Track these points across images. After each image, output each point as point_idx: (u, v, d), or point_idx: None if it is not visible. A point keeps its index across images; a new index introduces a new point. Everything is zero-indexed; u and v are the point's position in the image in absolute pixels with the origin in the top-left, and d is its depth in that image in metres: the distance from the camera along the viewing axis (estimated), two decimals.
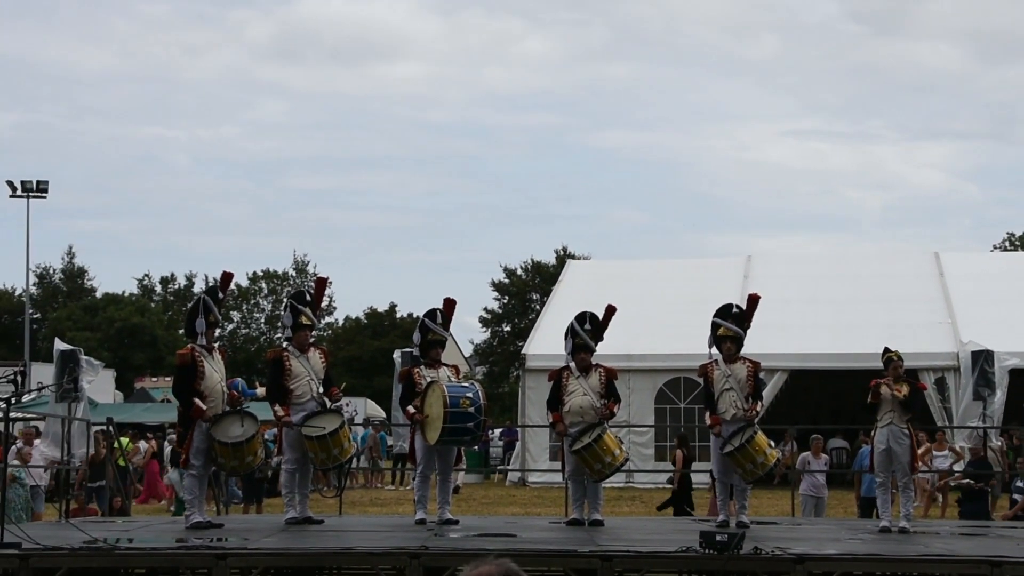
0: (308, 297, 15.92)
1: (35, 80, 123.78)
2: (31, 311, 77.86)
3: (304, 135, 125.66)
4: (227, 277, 15.97)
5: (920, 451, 21.39)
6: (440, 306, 15.85)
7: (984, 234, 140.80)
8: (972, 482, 20.40)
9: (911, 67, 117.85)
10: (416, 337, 15.74)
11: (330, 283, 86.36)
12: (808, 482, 21.89)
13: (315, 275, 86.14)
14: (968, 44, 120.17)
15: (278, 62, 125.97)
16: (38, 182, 58.77)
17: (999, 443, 27.48)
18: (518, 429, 39.48)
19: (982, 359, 27.32)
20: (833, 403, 40.08)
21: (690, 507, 21.74)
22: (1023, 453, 28.74)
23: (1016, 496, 21.05)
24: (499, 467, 42.44)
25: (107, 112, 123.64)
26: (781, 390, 35.16)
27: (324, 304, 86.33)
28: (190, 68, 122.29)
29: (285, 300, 16.47)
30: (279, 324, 16.85)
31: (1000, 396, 29.88)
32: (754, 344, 33.85)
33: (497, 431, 47.73)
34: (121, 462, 30.79)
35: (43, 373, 36.25)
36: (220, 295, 15.47)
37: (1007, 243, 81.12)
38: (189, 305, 15.91)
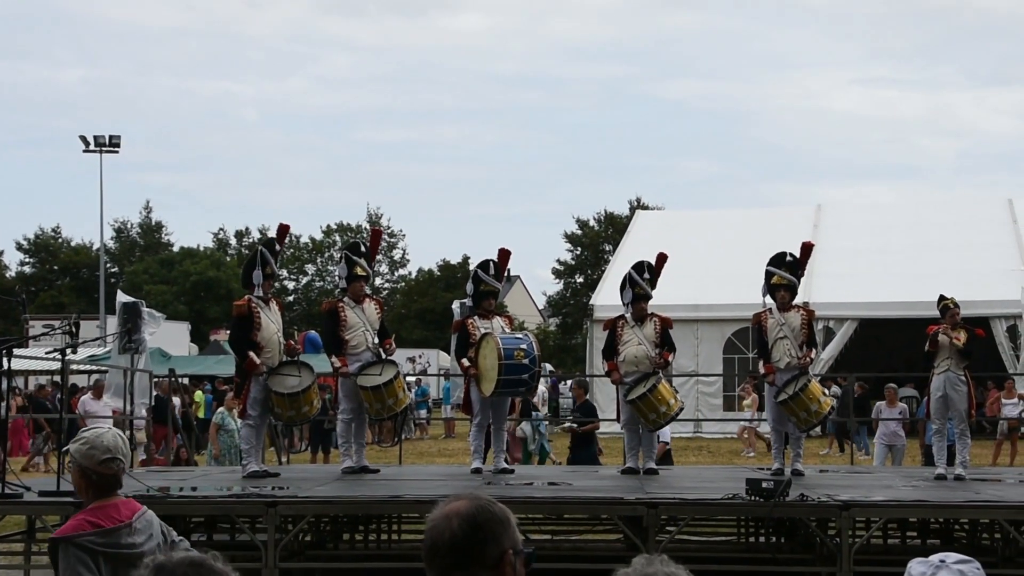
0: (363, 248, 15.99)
1: (100, 36, 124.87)
2: (109, 265, 78.72)
3: (370, 89, 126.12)
4: (283, 229, 16.05)
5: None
6: (495, 257, 15.90)
7: None
8: (575, 425, 20.56)
9: (979, 11, 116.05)
10: (469, 288, 15.79)
11: (400, 234, 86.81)
12: (882, 430, 21.76)
13: (388, 228, 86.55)
14: None
15: (340, 15, 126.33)
16: (110, 136, 58.91)
17: None
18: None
19: None
20: (905, 352, 39.73)
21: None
22: None
23: None
24: (567, 418, 42.47)
25: (174, 67, 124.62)
26: (850, 339, 34.93)
27: (397, 257, 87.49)
28: (253, 22, 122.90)
29: (339, 252, 16.54)
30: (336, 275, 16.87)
31: None
32: (824, 293, 33.42)
33: (568, 382, 47.69)
34: (200, 414, 31.30)
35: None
36: (277, 247, 15.58)
37: None
38: (247, 257, 16.02)
